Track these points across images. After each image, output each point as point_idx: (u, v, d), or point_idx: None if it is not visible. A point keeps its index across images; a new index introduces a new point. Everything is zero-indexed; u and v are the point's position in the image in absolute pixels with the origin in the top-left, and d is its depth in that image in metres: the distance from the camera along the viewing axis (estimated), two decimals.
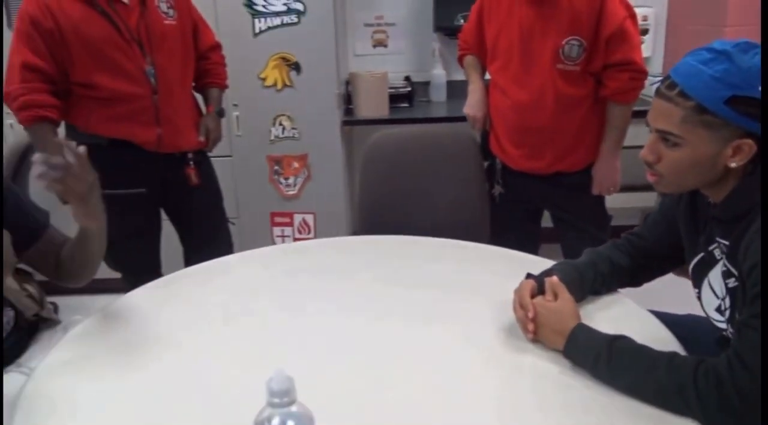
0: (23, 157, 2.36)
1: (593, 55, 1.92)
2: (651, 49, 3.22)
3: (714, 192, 1.08)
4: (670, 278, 1.36)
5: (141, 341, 1.20)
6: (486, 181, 2.13)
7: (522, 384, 1.03)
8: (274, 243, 2.83)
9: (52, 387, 1.05)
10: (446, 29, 3.17)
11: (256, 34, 2.73)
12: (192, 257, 2.19)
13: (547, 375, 1.05)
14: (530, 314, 1.12)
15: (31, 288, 1.34)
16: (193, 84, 2.27)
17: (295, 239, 2.98)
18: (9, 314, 1.26)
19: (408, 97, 3.14)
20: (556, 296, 1.15)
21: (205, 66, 2.28)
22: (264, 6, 2.69)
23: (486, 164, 2.17)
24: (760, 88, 0.96)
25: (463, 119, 2.22)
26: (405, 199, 2.07)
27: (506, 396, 1.01)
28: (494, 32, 2.05)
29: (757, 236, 0.95)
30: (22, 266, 1.33)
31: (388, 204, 2.08)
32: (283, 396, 0.66)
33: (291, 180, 2.90)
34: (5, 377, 1.18)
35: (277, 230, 2.97)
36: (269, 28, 2.72)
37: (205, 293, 1.41)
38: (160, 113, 2.05)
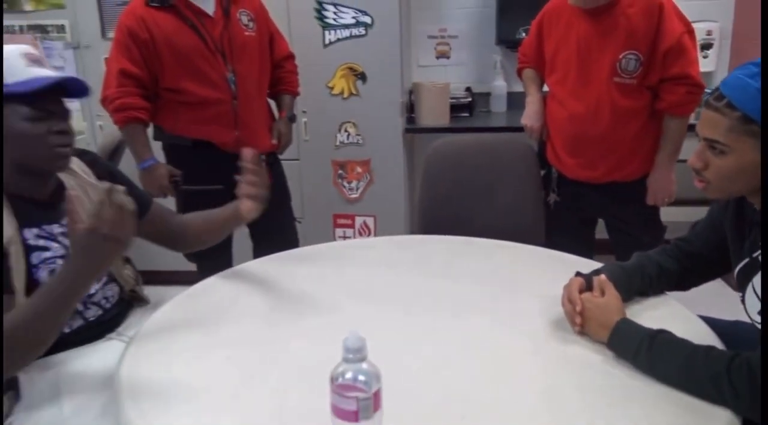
0: (111, 157, 2.57)
1: (650, 69, 1.97)
2: (715, 64, 3.22)
3: (758, 199, 1.14)
4: (718, 285, 1.41)
5: (222, 315, 1.34)
6: (542, 189, 2.20)
7: (567, 372, 1.11)
8: None
9: (148, 351, 1.19)
10: (508, 42, 3.26)
11: (326, 45, 2.89)
12: (260, 252, 2.34)
13: (592, 364, 1.12)
14: (578, 308, 1.20)
15: (128, 269, 1.50)
16: (268, 91, 2.44)
17: None
18: (114, 289, 1.42)
19: (468, 107, 3.24)
20: (603, 292, 1.22)
21: (279, 74, 2.44)
22: (334, 19, 2.85)
23: (542, 172, 2.24)
24: None
25: (521, 129, 2.31)
26: (463, 203, 2.16)
27: (551, 382, 1.09)
28: (553, 46, 2.13)
29: None
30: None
31: (446, 208, 2.18)
32: (356, 353, 0.77)
33: (354, 184, 3.04)
34: (107, 344, 1.33)
35: (339, 231, 3.11)
36: (338, 39, 2.87)
37: (279, 280, 1.54)
38: (238, 117, 2.22)
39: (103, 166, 1.48)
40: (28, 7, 3.02)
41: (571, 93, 2.08)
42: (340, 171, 3.03)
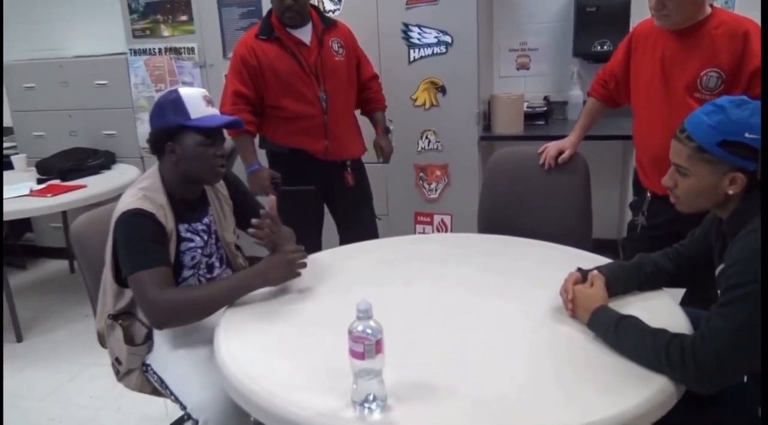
0: (228, 158, 3.08)
1: (732, 87, 2.03)
2: None
3: (722, 212, 1.38)
4: None
5: (296, 290, 1.73)
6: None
7: (553, 345, 1.40)
8: None
9: (240, 312, 1.61)
10: (584, 55, 3.46)
11: (410, 62, 3.25)
12: (344, 242, 2.75)
13: (575, 340, 1.40)
14: (569, 297, 1.48)
15: (240, 257, 1.96)
16: (360, 110, 2.83)
17: None
18: (228, 272, 1.89)
19: (544, 115, 3.47)
20: (592, 284, 1.50)
21: (369, 95, 2.83)
22: (418, 39, 3.20)
23: (633, 198, 2.37)
24: (746, 135, 1.25)
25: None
26: (517, 208, 2.44)
27: (537, 350, 1.38)
28: (639, 64, 2.23)
29: (741, 239, 1.24)
30: (238, 243, 1.96)
31: (503, 212, 2.47)
32: (364, 313, 1.12)
33: (433, 186, 3.38)
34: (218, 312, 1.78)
35: (419, 228, 3.47)
36: (422, 57, 3.22)
37: (347, 265, 1.92)
38: (328, 129, 2.64)
39: (234, 181, 1.95)
40: (165, 33, 3.62)
41: (654, 109, 2.17)
42: (421, 174, 3.38)
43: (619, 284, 1.57)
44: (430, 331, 1.49)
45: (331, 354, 1.34)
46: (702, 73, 2.04)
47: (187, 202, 1.75)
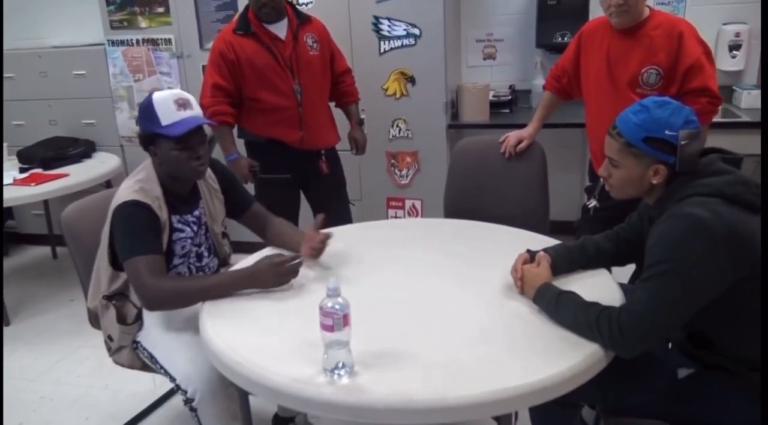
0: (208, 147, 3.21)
1: (670, 82, 2.23)
2: (744, 63, 3.46)
3: (649, 198, 1.56)
4: None
5: None
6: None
7: (508, 318, 1.58)
8: None
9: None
10: (546, 46, 3.64)
11: (381, 54, 3.39)
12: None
13: (521, 314, 1.58)
14: (518, 275, 1.67)
15: (226, 241, 2.10)
16: (335, 103, 2.97)
17: None
18: (215, 261, 2.04)
19: (509, 104, 3.65)
20: (539, 264, 1.69)
21: (342, 88, 2.97)
22: (388, 31, 3.35)
23: (588, 183, 2.55)
24: (666, 132, 1.43)
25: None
26: (480, 193, 2.63)
27: (487, 323, 1.56)
28: (587, 59, 2.42)
29: (662, 223, 1.42)
30: (225, 231, 2.10)
31: (466, 197, 2.65)
32: (333, 291, 1.29)
33: (404, 172, 3.55)
34: None
35: (391, 212, 3.64)
36: (392, 48, 3.37)
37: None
38: (302, 120, 2.78)
39: (226, 175, 2.07)
40: (143, 24, 3.72)
41: (601, 101, 2.37)
42: (392, 161, 3.55)
43: (565, 263, 1.75)
44: (394, 308, 1.66)
45: (304, 330, 1.50)
46: (642, 70, 2.23)
47: (179, 195, 1.88)
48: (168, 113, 1.74)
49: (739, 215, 1.39)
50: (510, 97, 3.65)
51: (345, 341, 1.32)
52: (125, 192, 1.77)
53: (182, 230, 1.87)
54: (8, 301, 3.44)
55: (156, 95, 1.76)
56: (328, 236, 1.90)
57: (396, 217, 3.63)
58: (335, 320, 1.29)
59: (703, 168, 1.47)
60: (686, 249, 1.36)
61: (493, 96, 3.63)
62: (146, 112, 1.75)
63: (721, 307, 1.41)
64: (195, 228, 1.92)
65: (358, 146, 2.99)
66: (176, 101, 1.75)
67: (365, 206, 3.60)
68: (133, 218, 1.73)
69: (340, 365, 1.33)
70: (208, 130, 3.04)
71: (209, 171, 1.97)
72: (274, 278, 1.71)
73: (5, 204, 3.26)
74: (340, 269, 1.91)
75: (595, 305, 1.47)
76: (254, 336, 1.55)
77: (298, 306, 1.69)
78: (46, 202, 3.98)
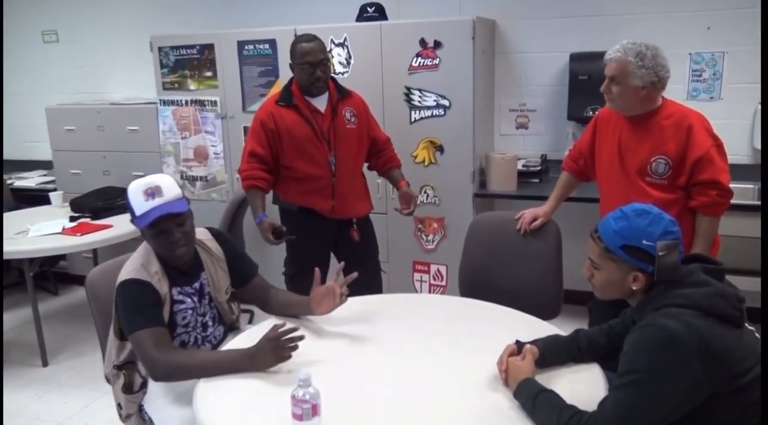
0: (238, 208, 3.37)
1: (679, 173, 2.22)
2: None
3: (631, 301, 1.58)
4: None
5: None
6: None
7: (486, 411, 1.59)
8: (414, 285, 3.57)
9: None
10: (577, 118, 3.66)
11: (411, 122, 3.50)
12: (350, 294, 2.95)
13: (502, 407, 1.59)
14: (503, 368, 1.69)
15: (234, 306, 2.19)
16: (378, 171, 3.07)
17: (431, 285, 3.68)
18: (221, 329, 2.12)
19: (538, 174, 3.68)
20: (524, 357, 1.70)
21: (387, 155, 3.07)
22: (419, 101, 3.46)
23: None
24: (643, 242, 1.46)
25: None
26: (495, 267, 2.65)
27: (471, 414, 1.58)
28: (601, 144, 2.44)
29: (636, 331, 1.43)
30: (233, 295, 2.18)
31: (482, 270, 2.68)
32: (305, 382, 1.35)
33: (430, 237, 3.61)
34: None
35: (416, 276, 3.69)
36: (422, 118, 3.48)
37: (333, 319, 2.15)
38: (335, 190, 2.88)
39: (231, 246, 2.15)
40: (192, 86, 3.96)
41: (612, 186, 2.39)
42: (419, 226, 3.62)
43: (554, 356, 1.76)
44: (374, 392, 1.69)
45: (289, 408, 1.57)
46: (651, 159, 2.24)
47: (179, 268, 2.00)
48: (138, 204, 1.85)
49: (714, 329, 1.39)
50: (539, 168, 3.68)
51: None
52: (126, 271, 1.89)
53: (183, 302, 1.97)
54: (49, 341, 3.64)
55: (130, 187, 1.87)
56: (344, 294, 1.97)
57: (421, 281, 3.68)
58: (304, 410, 1.36)
59: (683, 277, 1.48)
60: (657, 361, 1.37)
61: (523, 165, 3.67)
62: (126, 202, 1.89)
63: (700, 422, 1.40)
64: (196, 299, 2.00)
65: (411, 202, 2.98)
66: (145, 192, 1.84)
67: (392, 269, 3.66)
68: (134, 295, 1.84)
69: None
70: (241, 193, 3.22)
71: (213, 242, 2.08)
72: (273, 356, 1.74)
73: (55, 253, 3.51)
74: (330, 345, 1.96)
75: (569, 408, 1.48)
76: (239, 410, 1.61)
77: (287, 381, 1.74)
78: None
